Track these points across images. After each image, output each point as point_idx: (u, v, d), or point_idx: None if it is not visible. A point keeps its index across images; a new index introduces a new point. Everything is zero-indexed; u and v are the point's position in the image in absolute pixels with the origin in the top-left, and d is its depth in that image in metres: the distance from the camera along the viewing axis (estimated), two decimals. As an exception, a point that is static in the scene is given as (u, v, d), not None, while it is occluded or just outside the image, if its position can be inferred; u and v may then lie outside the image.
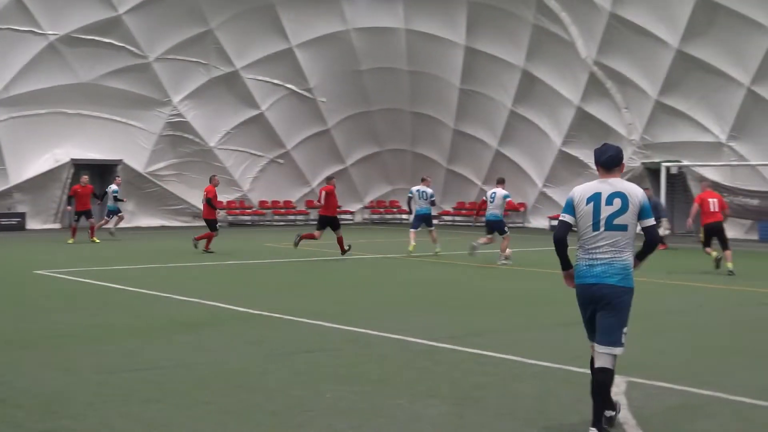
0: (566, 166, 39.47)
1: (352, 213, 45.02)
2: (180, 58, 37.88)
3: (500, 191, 22.85)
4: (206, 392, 8.14)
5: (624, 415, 7.28)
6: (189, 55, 38.04)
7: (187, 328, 11.74)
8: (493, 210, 22.70)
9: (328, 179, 25.12)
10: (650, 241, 6.86)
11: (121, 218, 31.65)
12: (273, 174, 42.55)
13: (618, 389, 8.10)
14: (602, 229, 6.75)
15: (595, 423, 6.62)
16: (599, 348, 6.75)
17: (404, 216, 45.61)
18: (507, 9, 37.49)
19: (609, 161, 6.95)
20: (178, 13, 36.71)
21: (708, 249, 21.08)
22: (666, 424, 7.21)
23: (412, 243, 24.12)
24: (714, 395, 8.11)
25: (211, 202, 24.70)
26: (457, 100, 41.54)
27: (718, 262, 20.52)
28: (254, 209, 42.39)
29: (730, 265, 20.02)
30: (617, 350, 6.73)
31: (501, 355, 9.92)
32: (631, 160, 36.61)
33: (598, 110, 37.49)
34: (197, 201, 39.50)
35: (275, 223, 42.35)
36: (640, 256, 6.94)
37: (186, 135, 39.15)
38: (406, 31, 40.14)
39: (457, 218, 43.86)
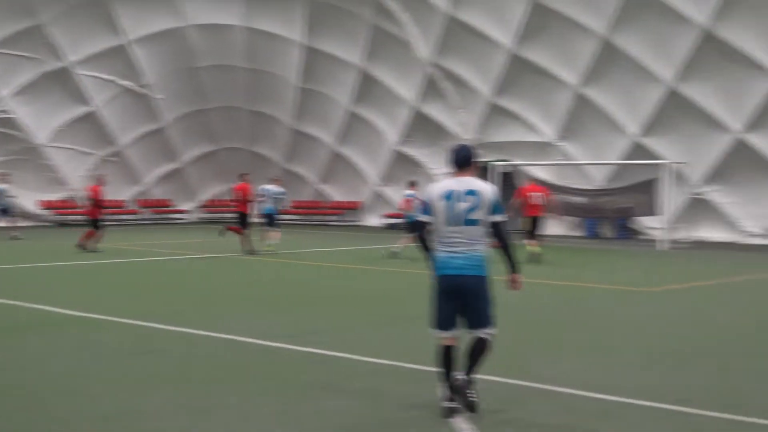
0: (402, 166, 39.98)
1: (186, 212, 44.31)
2: (7, 53, 36.37)
3: (409, 193, 24.01)
4: (31, 398, 7.83)
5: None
6: (17, 50, 36.54)
7: (9, 333, 11.27)
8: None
9: (242, 176, 25.69)
10: (500, 237, 7.43)
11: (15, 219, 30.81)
12: (104, 172, 41.34)
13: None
14: (458, 224, 7.30)
15: (468, 372, 7.35)
16: (477, 333, 7.38)
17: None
18: (346, 8, 37.66)
19: (462, 160, 7.51)
20: (5, 5, 35.27)
21: (530, 242, 21.99)
22: (495, 416, 7.34)
23: (269, 240, 24.92)
24: (540, 387, 8.33)
25: (96, 203, 25.04)
26: (296, 99, 41.46)
27: (538, 256, 21.39)
28: (84, 208, 41.07)
29: (537, 249, 21.89)
30: (492, 330, 7.41)
31: (335, 353, 9.91)
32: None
33: (434, 110, 38.13)
34: (24, 200, 38.17)
35: (105, 223, 41.16)
36: (512, 266, 7.56)
37: (12, 132, 37.61)
38: (244, 28, 39.77)
39: (295, 217, 43.71)
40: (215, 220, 44.62)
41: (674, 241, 30.25)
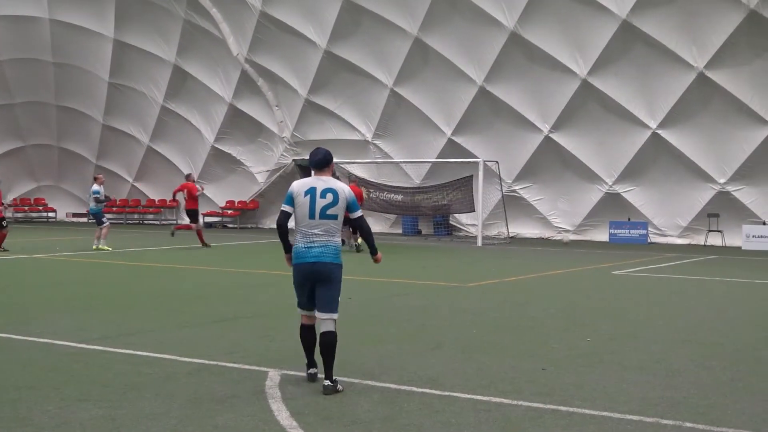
0: (219, 163, 39.67)
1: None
2: None
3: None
4: None
5: (278, 407, 7.44)
6: None
7: None
8: None
9: (187, 176, 28.52)
10: (361, 230, 8.68)
11: None
12: None
13: (272, 382, 8.28)
14: (317, 217, 8.20)
15: (328, 376, 8.09)
16: (322, 316, 8.27)
17: (51, 214, 43.91)
18: (157, 3, 37.00)
19: (318, 162, 8.42)
20: None
21: None
22: (319, 413, 7.37)
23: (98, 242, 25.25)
24: (362, 383, 8.43)
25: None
26: (106, 95, 40.46)
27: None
28: None
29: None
30: (335, 315, 8.30)
31: (155, 354, 9.75)
32: (283, 157, 37.49)
33: (250, 107, 37.95)
34: None
35: None
36: (372, 251, 8.81)
37: None
38: (50, 21, 38.46)
39: (111, 216, 42.59)
40: (25, 220, 43.06)
41: (491, 237, 31.20)
